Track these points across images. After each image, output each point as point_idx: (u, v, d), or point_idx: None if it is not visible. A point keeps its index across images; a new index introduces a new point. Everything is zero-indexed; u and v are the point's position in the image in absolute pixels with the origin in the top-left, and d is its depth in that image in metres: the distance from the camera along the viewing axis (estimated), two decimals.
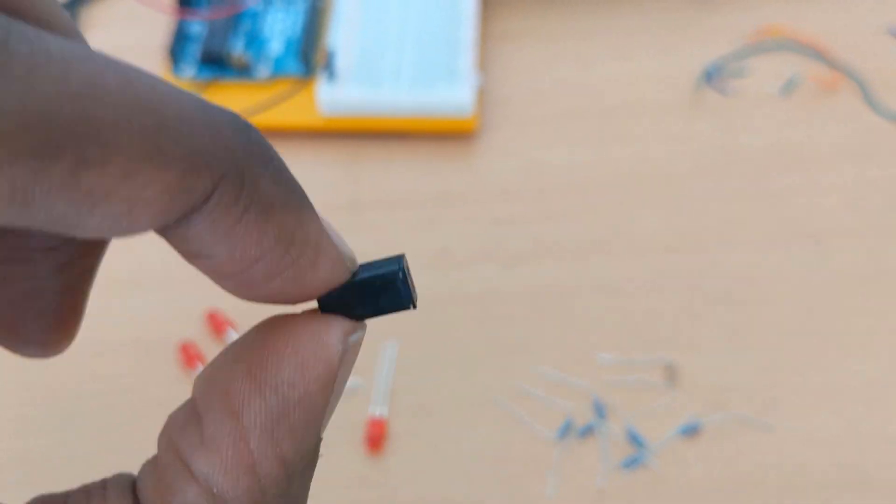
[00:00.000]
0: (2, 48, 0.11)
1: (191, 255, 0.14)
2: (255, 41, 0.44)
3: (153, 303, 0.37)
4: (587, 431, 0.34)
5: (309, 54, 0.43)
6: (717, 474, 0.33)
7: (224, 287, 0.14)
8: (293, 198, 0.14)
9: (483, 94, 0.43)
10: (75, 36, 0.15)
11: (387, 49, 0.42)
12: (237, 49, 0.43)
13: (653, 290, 0.37)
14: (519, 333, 0.36)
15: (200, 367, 0.34)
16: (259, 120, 0.41)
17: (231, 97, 0.42)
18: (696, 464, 0.33)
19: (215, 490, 0.13)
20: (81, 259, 0.16)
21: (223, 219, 0.13)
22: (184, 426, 0.14)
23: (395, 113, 0.41)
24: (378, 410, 0.34)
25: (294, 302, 0.15)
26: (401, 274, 0.15)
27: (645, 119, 0.42)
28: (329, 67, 0.41)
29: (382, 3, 0.44)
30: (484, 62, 0.44)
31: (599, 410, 0.34)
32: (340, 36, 0.43)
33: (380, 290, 0.15)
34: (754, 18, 0.45)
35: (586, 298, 0.37)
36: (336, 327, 0.15)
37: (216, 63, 0.43)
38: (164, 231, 0.13)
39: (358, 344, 0.15)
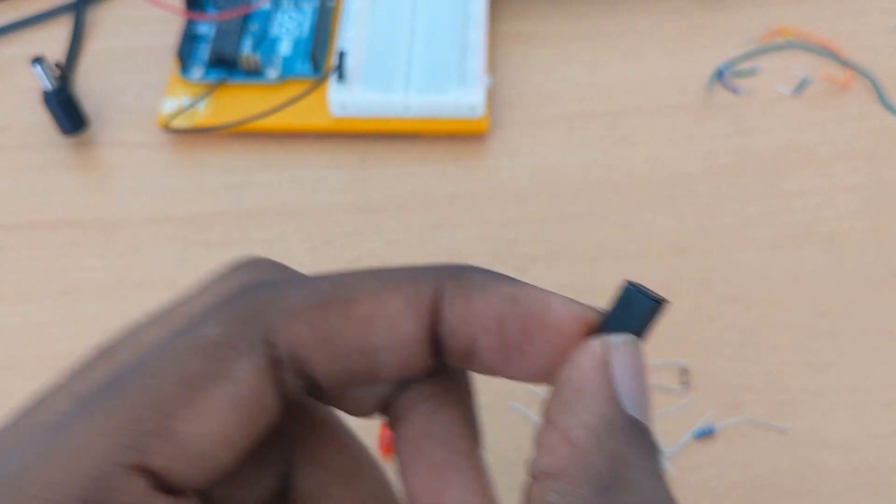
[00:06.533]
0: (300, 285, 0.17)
1: (465, 355, 0.17)
2: (264, 42, 0.44)
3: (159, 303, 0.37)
4: None
5: (318, 55, 0.43)
6: (732, 477, 0.33)
7: (512, 374, 0.17)
8: (503, 276, 0.17)
9: (493, 96, 0.43)
10: None
11: (397, 50, 0.42)
12: (246, 50, 0.43)
13: (665, 292, 0.36)
14: None
15: None
16: (269, 122, 0.41)
17: (240, 99, 0.42)
18: (710, 467, 0.33)
19: (546, 469, 0.16)
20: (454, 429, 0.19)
21: (458, 302, 0.17)
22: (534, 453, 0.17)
23: (405, 114, 0.41)
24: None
25: (565, 352, 0.17)
26: (633, 288, 0.17)
27: (656, 120, 0.42)
28: (339, 68, 0.41)
29: (392, 4, 0.44)
30: (494, 63, 0.44)
31: None
32: (350, 37, 0.42)
33: (631, 312, 0.17)
34: (765, 18, 0.45)
35: (599, 300, 0.36)
36: (594, 337, 0.17)
37: (225, 64, 0.43)
38: (438, 344, 0.17)
39: (627, 345, 0.17)
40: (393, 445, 0.19)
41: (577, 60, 0.44)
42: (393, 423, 0.19)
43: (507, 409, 0.34)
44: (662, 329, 0.36)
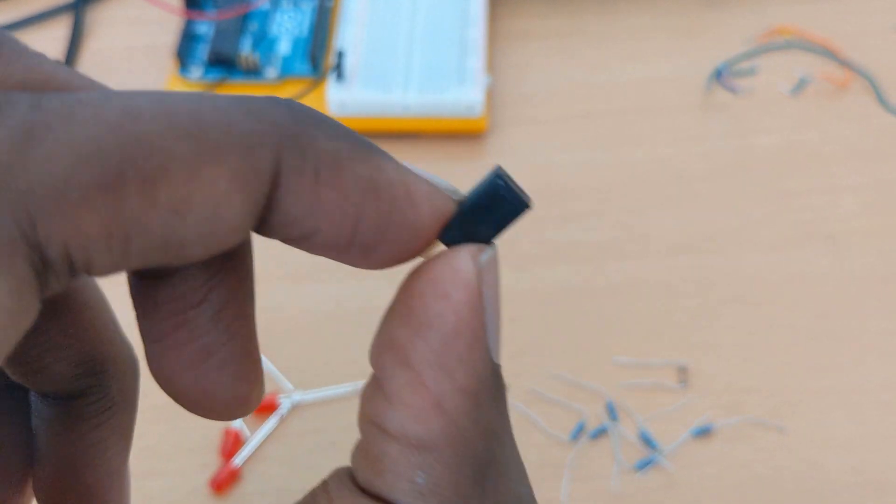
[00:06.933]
0: (34, 108, 0.12)
1: (302, 241, 0.14)
2: (263, 41, 0.44)
3: None
4: (600, 433, 0.33)
5: (317, 55, 0.43)
6: (731, 476, 0.33)
7: (350, 262, 0.15)
8: (359, 147, 0.14)
9: (492, 95, 0.43)
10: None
11: (396, 49, 0.42)
12: (245, 50, 0.43)
13: (666, 292, 0.37)
14: (532, 336, 0.36)
15: None
16: None
17: None
18: (709, 466, 0.33)
19: (414, 440, 0.14)
20: (231, 304, 0.16)
21: (302, 188, 0.13)
22: (371, 397, 0.14)
23: (404, 113, 0.41)
24: None
25: (419, 250, 0.15)
26: (501, 181, 0.15)
27: (656, 119, 0.42)
28: (338, 68, 0.41)
29: (391, 3, 0.44)
30: (493, 62, 0.44)
31: (612, 413, 0.34)
32: (349, 36, 0.42)
33: (492, 206, 0.15)
34: (765, 18, 0.45)
35: (600, 301, 0.36)
36: (464, 252, 0.15)
37: (224, 64, 0.43)
38: (263, 226, 0.14)
39: (493, 262, 0.15)
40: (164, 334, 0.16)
41: (577, 60, 0.44)
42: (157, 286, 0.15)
43: (513, 411, 0.34)
44: (661, 327, 0.36)
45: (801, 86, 0.43)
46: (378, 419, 0.14)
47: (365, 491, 0.14)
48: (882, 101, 0.42)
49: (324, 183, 0.13)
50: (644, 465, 0.33)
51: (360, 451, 0.14)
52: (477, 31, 0.43)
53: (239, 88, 0.42)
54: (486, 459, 0.14)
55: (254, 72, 0.43)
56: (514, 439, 0.15)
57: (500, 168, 0.15)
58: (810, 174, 0.40)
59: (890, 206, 0.39)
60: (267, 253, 0.39)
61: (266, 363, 0.34)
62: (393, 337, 0.14)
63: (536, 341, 0.35)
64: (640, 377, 0.35)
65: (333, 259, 0.14)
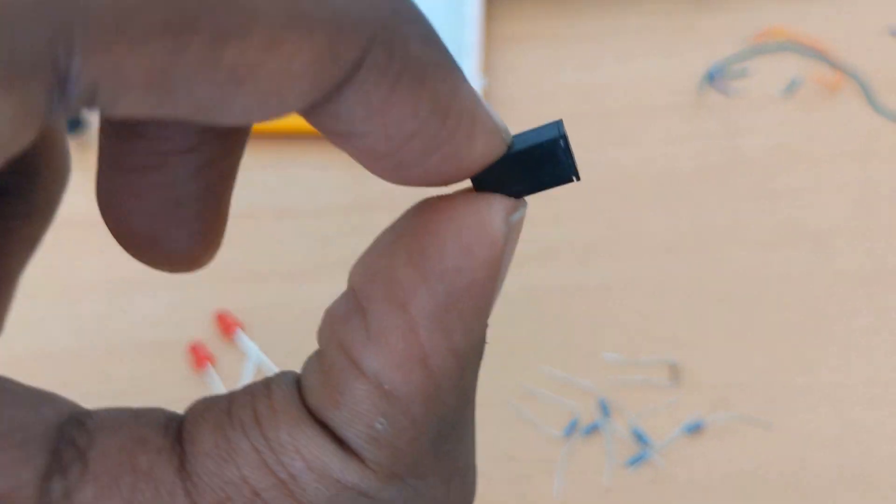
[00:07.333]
0: None
1: (341, 137, 0.13)
2: None
3: (162, 303, 0.37)
4: (593, 430, 0.34)
5: None
6: (720, 472, 0.33)
7: (375, 170, 0.13)
8: (446, 61, 0.12)
9: (488, 96, 0.43)
10: None
11: None
12: None
13: (657, 291, 0.37)
14: (525, 335, 0.36)
15: (210, 369, 0.35)
16: (267, 124, 0.41)
17: None
18: (699, 461, 0.33)
19: (387, 386, 0.12)
20: (220, 159, 0.15)
21: (376, 89, 0.12)
22: (347, 319, 0.13)
23: None
24: None
25: (450, 182, 0.14)
26: (562, 141, 0.14)
27: (648, 120, 0.43)
28: None
29: None
30: (488, 64, 0.45)
31: (604, 410, 0.34)
32: None
33: (539, 162, 0.14)
34: (756, 20, 0.46)
35: (591, 299, 0.37)
36: (498, 206, 0.13)
37: None
38: (311, 111, 0.12)
39: (520, 224, 0.14)
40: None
41: (571, 61, 0.45)
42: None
43: (506, 408, 0.35)
44: (652, 325, 0.36)
45: (792, 87, 0.43)
46: (352, 350, 0.13)
47: (312, 412, 0.13)
48: (872, 102, 0.43)
49: (401, 91, 0.12)
50: (635, 461, 0.33)
51: (319, 371, 0.13)
52: (472, 32, 0.43)
53: None
54: (451, 423, 0.13)
55: None
56: (475, 407, 0.14)
57: (562, 123, 0.14)
58: (799, 175, 0.41)
59: (876, 207, 0.40)
60: (268, 251, 0.39)
61: (266, 362, 0.35)
62: (394, 272, 0.13)
63: (529, 340, 0.36)
64: (630, 374, 0.35)
65: (360, 162, 0.13)
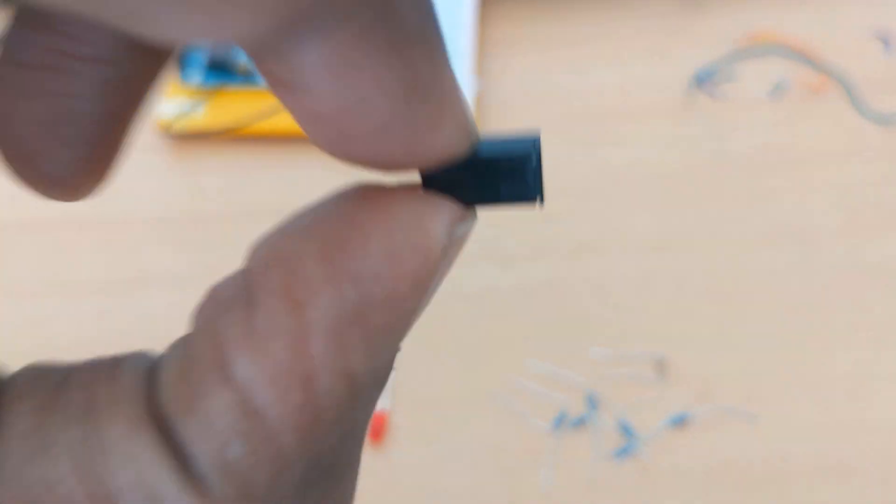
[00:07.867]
0: None
1: (284, 87, 0.10)
2: None
3: (162, 303, 0.38)
4: (580, 423, 0.35)
5: None
6: (705, 463, 0.34)
7: (315, 136, 0.11)
8: (432, 33, 0.10)
9: (481, 99, 0.44)
10: None
11: None
12: (243, 55, 0.45)
13: (643, 288, 0.38)
14: (515, 330, 0.37)
15: None
16: (264, 126, 0.43)
17: (237, 103, 0.44)
18: (684, 453, 0.34)
19: (256, 401, 0.10)
20: (131, 81, 0.13)
21: (340, 43, 0.09)
22: (230, 305, 0.11)
23: None
24: (379, 403, 0.35)
25: (397, 168, 0.12)
26: (534, 159, 0.12)
27: (637, 123, 0.44)
28: None
29: None
30: (481, 68, 0.46)
31: (592, 403, 0.35)
32: None
33: (504, 175, 0.12)
34: (743, 23, 0.47)
35: (580, 296, 0.38)
36: (444, 211, 0.11)
37: (223, 69, 0.44)
38: (258, 50, 0.10)
39: (464, 240, 0.12)
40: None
41: (562, 65, 0.46)
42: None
43: (495, 401, 0.36)
44: (639, 321, 0.37)
45: (778, 90, 0.44)
46: (224, 346, 0.10)
47: (160, 413, 0.10)
48: (856, 105, 0.44)
49: (369, 51, 0.10)
50: (622, 453, 0.34)
51: (183, 357, 0.11)
52: (465, 36, 0.44)
53: (237, 94, 0.44)
54: (329, 464, 0.11)
55: (251, 77, 0.44)
56: (362, 447, 0.12)
57: (539, 140, 0.12)
58: (784, 176, 0.42)
59: (858, 206, 0.41)
60: None
61: None
62: (299, 261, 0.11)
63: (519, 335, 0.37)
64: (617, 368, 0.36)
65: (297, 121, 0.11)
